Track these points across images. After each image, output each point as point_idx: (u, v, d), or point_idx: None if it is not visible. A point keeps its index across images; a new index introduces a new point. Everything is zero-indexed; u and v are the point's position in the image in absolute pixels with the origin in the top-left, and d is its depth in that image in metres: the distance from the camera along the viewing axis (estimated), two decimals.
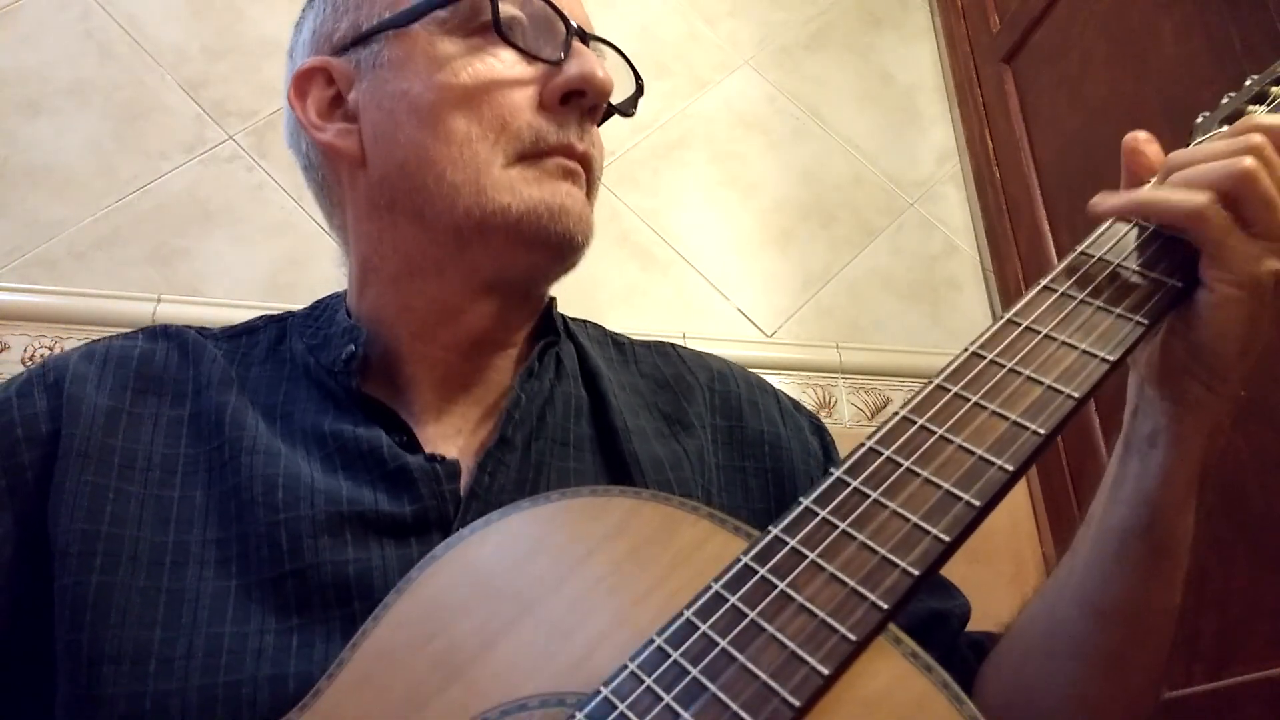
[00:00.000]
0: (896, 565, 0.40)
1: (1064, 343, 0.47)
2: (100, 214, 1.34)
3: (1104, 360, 0.46)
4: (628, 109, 0.68)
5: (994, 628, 0.65)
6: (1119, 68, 1.43)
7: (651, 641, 0.40)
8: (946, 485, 0.42)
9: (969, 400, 0.46)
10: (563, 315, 0.72)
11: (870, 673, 0.38)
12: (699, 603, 0.41)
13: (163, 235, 1.35)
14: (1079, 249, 0.52)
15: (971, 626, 0.67)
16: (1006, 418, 0.45)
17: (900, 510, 0.42)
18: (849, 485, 0.44)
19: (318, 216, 1.36)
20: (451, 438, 0.62)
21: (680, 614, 0.41)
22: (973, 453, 0.43)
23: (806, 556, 0.41)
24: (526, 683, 0.42)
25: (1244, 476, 1.10)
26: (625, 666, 0.40)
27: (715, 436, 0.68)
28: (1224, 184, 0.48)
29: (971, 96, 1.78)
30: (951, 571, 0.63)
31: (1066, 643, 0.56)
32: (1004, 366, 0.47)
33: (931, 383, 0.48)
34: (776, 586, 0.41)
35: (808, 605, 0.40)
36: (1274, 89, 0.58)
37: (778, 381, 0.79)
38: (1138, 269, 0.50)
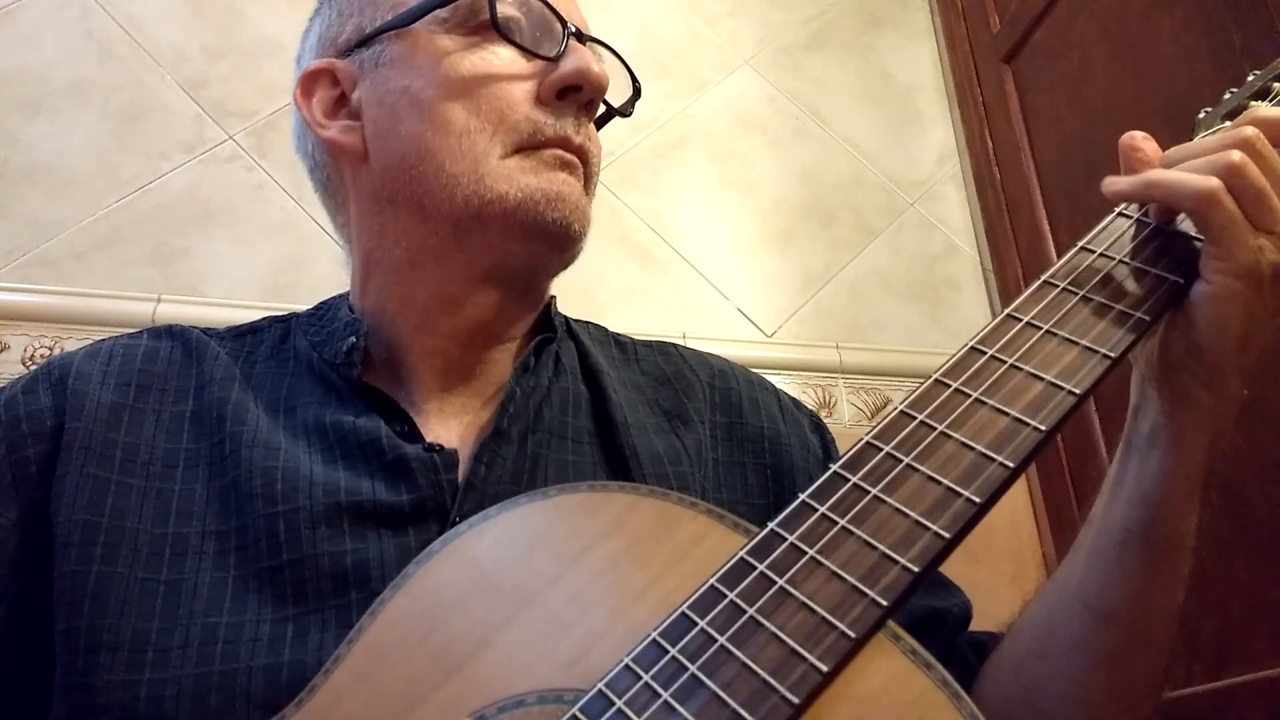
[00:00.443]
0: (896, 562, 0.40)
1: (1065, 338, 0.47)
2: (100, 214, 1.34)
3: (1105, 356, 0.46)
4: (625, 109, 0.70)
5: (995, 628, 0.65)
6: (1119, 67, 1.43)
7: (649, 638, 0.40)
8: (946, 481, 0.42)
9: (969, 396, 0.46)
10: (565, 316, 0.73)
11: (869, 670, 0.38)
12: (697, 598, 0.41)
13: (163, 235, 1.35)
14: (1079, 245, 0.52)
15: (971, 626, 0.67)
16: (1007, 413, 0.44)
17: (900, 506, 0.42)
18: (848, 481, 0.44)
19: (318, 216, 1.36)
20: (452, 427, 0.62)
21: (678, 610, 0.41)
22: (973, 449, 0.43)
23: (805, 552, 0.41)
24: (524, 679, 0.42)
25: (1244, 476, 1.10)
26: (623, 663, 0.40)
27: (715, 432, 0.68)
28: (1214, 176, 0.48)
29: (971, 96, 1.77)
30: (951, 571, 0.63)
31: (1067, 643, 0.56)
32: (1004, 362, 0.47)
33: (931, 378, 0.47)
34: (775, 583, 0.41)
35: (807, 602, 0.40)
36: (1276, 84, 0.58)
37: (778, 381, 0.79)
38: (1139, 265, 0.50)
